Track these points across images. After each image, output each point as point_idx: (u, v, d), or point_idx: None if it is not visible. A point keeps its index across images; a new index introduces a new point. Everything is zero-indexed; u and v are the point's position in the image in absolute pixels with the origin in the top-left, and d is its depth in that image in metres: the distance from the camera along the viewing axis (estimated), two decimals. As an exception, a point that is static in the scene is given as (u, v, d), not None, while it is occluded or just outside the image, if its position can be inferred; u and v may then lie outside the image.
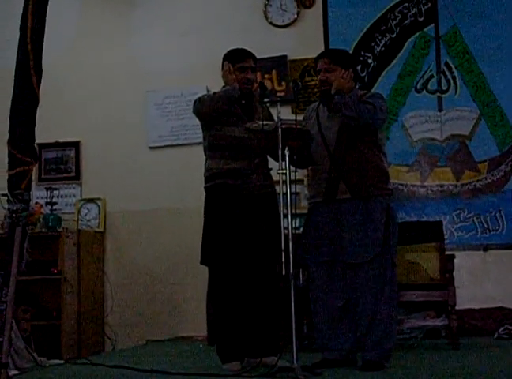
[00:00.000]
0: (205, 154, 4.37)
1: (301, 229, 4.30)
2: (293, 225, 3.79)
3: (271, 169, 4.30)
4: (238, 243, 4.11)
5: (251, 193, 4.19)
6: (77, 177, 6.94)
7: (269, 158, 4.31)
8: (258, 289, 4.16)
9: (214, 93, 4.26)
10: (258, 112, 4.28)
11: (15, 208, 3.55)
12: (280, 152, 3.80)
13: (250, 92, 4.31)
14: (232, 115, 4.24)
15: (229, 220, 4.14)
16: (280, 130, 3.79)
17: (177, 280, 6.55)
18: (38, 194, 6.73)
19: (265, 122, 3.96)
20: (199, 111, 4.28)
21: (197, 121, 4.44)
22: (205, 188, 4.31)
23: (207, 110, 4.22)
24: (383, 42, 6.50)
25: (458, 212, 6.19)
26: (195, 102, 4.30)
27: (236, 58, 4.29)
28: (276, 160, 3.94)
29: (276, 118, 3.94)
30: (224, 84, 4.34)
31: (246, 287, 4.15)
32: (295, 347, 3.61)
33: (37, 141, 3.81)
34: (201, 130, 4.45)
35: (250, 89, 4.29)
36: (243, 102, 4.29)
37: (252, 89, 4.32)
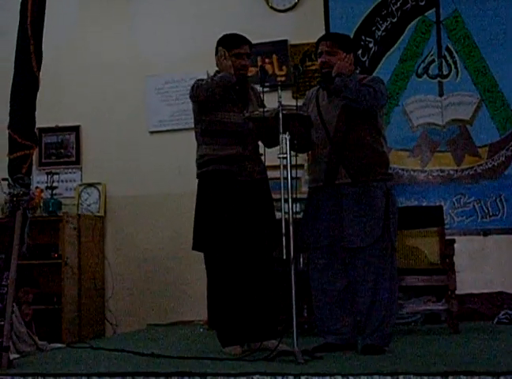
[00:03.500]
0: (197, 140, 4.35)
1: (301, 214, 4.30)
2: (294, 210, 3.78)
3: (261, 154, 4.28)
4: (233, 229, 4.11)
5: (246, 179, 4.19)
6: (78, 161, 6.93)
7: (260, 144, 4.28)
8: (256, 274, 4.16)
9: (212, 79, 4.23)
10: (252, 98, 4.28)
11: (16, 193, 3.56)
12: (280, 137, 3.79)
13: (245, 78, 4.30)
14: (228, 101, 4.22)
15: (224, 206, 4.13)
16: (281, 115, 3.78)
17: (177, 265, 6.55)
18: (38, 179, 6.73)
19: (266, 109, 3.94)
20: (196, 97, 4.25)
21: (195, 106, 4.42)
22: (199, 174, 4.29)
23: (204, 96, 4.19)
24: (384, 26, 6.47)
25: (459, 196, 6.19)
26: (192, 87, 4.28)
27: (232, 44, 4.27)
28: (269, 147, 4.06)
29: (267, 105, 3.96)
30: (217, 69, 4.32)
31: (243, 272, 4.15)
32: (295, 330, 3.62)
33: (37, 126, 3.83)
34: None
35: (244, 75, 4.29)
36: (237, 87, 4.27)
37: (246, 75, 4.31)
